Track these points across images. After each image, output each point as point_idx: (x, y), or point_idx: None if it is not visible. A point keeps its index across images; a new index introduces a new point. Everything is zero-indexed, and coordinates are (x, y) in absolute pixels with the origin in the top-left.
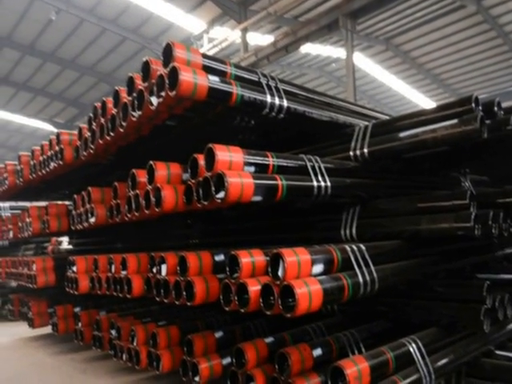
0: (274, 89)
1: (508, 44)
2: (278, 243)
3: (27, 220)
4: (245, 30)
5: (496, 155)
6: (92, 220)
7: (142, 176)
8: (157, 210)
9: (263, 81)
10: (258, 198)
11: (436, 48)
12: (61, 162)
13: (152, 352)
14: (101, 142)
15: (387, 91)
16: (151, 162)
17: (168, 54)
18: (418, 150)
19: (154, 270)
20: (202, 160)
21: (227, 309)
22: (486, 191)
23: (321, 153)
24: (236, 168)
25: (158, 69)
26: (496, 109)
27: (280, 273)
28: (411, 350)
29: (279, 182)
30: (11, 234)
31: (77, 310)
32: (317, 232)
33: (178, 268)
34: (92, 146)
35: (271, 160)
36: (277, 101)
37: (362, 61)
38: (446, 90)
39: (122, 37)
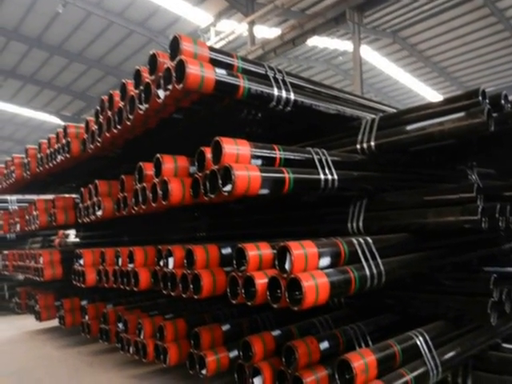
0: (280, 82)
1: None
2: (284, 236)
3: (34, 213)
4: (252, 23)
5: (503, 148)
6: (99, 213)
7: (149, 169)
8: (164, 203)
9: (270, 74)
10: (264, 191)
11: (443, 41)
12: (68, 155)
13: (159, 345)
14: (108, 135)
15: (394, 84)
16: (158, 155)
17: (175, 47)
18: (424, 143)
19: (161, 263)
20: (209, 153)
21: (234, 302)
22: (493, 184)
23: (328, 146)
24: (243, 161)
25: (165, 62)
26: (503, 102)
27: (287, 266)
28: (418, 343)
29: (286, 175)
30: (18, 227)
31: (84, 303)
32: (324, 225)
33: (185, 261)
34: (99, 139)
35: (278, 153)
36: (284, 94)
37: (369, 54)
38: (453, 83)
39: (129, 30)
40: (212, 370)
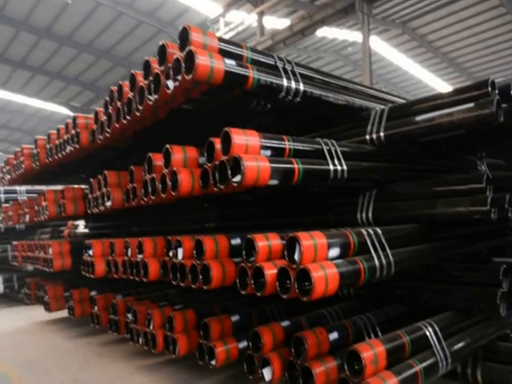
0: (290, 72)
1: None
2: (294, 227)
3: (43, 204)
4: (261, 14)
5: None
6: (108, 204)
7: (158, 160)
8: (173, 193)
9: (279, 64)
10: (274, 182)
11: (452, 32)
12: (77, 146)
13: (168, 336)
14: (117, 125)
15: (403, 75)
16: (167, 146)
17: (184, 37)
18: (434, 134)
19: (171, 254)
20: (218, 144)
21: (243, 292)
22: (503, 175)
23: (337, 136)
24: (252, 152)
25: (175, 52)
26: None
27: (296, 256)
28: (427, 333)
29: (295, 166)
30: (27, 218)
31: (93, 293)
32: (333, 216)
33: (195, 252)
34: (108, 130)
35: (287, 144)
36: (293, 84)
37: (379, 44)
38: (463, 74)
39: (138, 20)
40: (221, 360)
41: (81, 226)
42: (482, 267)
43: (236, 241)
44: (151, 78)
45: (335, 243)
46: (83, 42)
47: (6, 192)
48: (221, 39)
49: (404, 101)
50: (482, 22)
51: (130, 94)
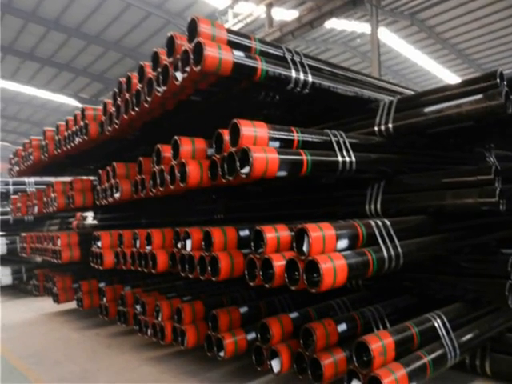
0: (298, 64)
1: None
2: (302, 218)
3: (52, 195)
4: (270, 5)
5: None
6: (117, 195)
7: (166, 151)
8: (182, 185)
9: (288, 56)
10: (282, 173)
11: (461, 23)
12: (85, 138)
13: (177, 327)
14: (125, 117)
15: (412, 66)
16: (176, 137)
17: (193, 29)
18: (442, 125)
19: (179, 246)
20: (226, 135)
21: (252, 284)
22: (511, 166)
23: (345, 128)
24: (261, 143)
25: (183, 44)
26: None
27: (305, 248)
28: (436, 325)
29: (304, 157)
30: (36, 210)
31: (101, 285)
32: (341, 207)
33: (203, 243)
34: (117, 122)
35: (296, 135)
36: (301, 76)
37: (387, 36)
38: (471, 65)
39: (147, 12)
40: (230, 352)
41: (89, 218)
42: (491, 259)
43: (244, 232)
44: (160, 70)
45: (344, 235)
46: (92, 34)
47: (14, 183)
48: (229, 31)
49: (412, 92)
50: (491, 13)
51: (139, 86)
